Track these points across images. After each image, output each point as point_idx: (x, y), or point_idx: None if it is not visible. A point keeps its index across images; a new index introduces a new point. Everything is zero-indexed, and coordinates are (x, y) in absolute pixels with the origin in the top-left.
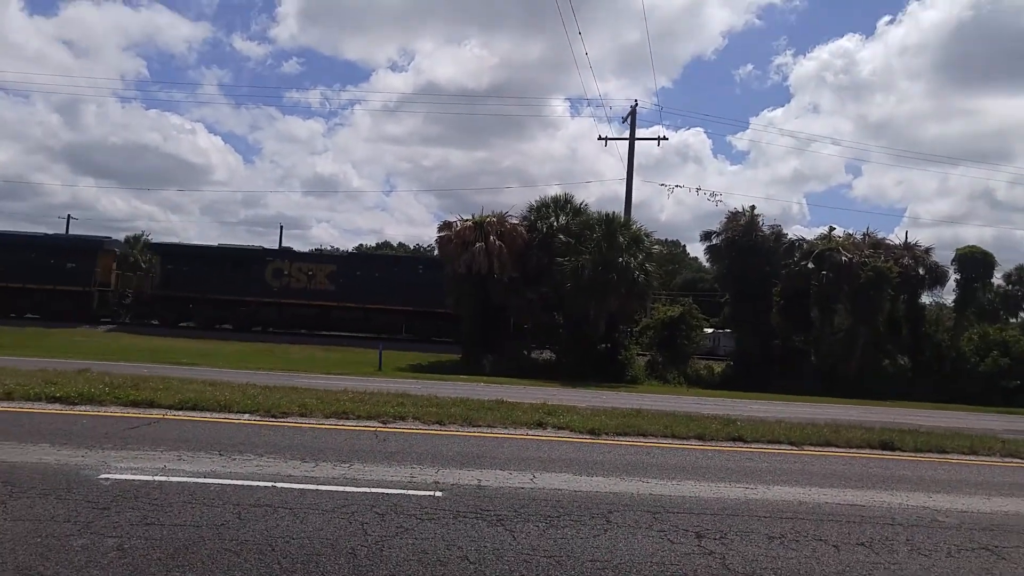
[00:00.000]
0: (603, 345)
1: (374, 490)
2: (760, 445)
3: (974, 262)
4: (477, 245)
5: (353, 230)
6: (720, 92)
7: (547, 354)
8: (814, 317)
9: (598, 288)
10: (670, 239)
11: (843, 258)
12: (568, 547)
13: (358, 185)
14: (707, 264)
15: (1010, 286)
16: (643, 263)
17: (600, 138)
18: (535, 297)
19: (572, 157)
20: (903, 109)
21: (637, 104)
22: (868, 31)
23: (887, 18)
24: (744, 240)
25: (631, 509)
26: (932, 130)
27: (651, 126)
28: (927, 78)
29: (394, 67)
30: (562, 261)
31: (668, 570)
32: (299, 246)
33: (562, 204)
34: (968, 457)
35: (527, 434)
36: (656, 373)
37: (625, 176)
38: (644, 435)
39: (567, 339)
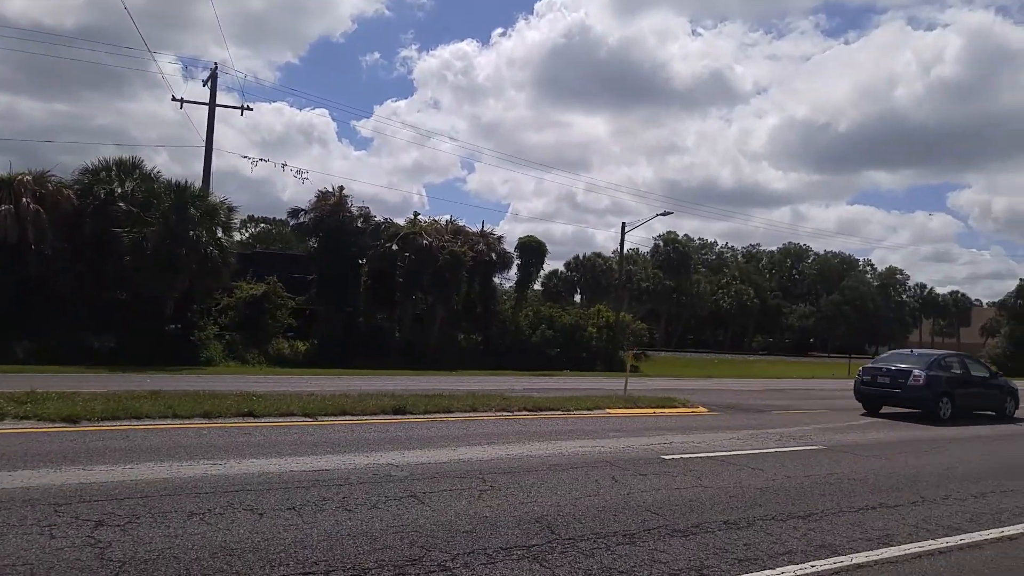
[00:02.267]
0: (173, 326)
1: None
2: (271, 419)
3: (531, 250)
4: (3, 207)
5: None
6: (347, 76)
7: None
8: (398, 297)
9: (165, 264)
10: (279, 218)
11: (424, 242)
12: None
13: None
14: (309, 243)
15: (570, 272)
16: (219, 238)
17: (174, 99)
18: (90, 273)
19: (185, 124)
20: (510, 115)
21: (217, 67)
22: (484, 39)
23: (500, 30)
24: (332, 220)
25: (30, 505)
26: (532, 137)
27: (275, 101)
28: (529, 90)
29: None
30: (121, 232)
31: (20, 571)
32: None
33: (128, 169)
34: (468, 414)
35: None
36: (235, 354)
37: (205, 145)
38: (139, 418)
39: (131, 320)
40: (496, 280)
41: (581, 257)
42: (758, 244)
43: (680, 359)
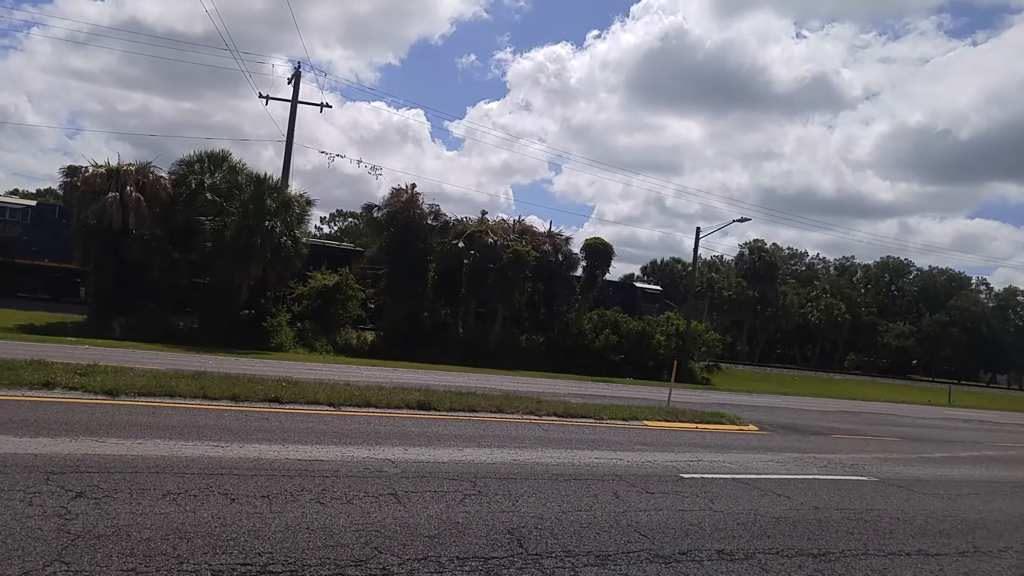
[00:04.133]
0: (247, 311)
1: None
2: (296, 406)
3: (597, 252)
4: (110, 195)
5: (25, 173)
6: (443, 78)
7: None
8: (463, 294)
9: (241, 252)
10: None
11: (490, 240)
12: None
13: (34, 121)
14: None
15: (647, 277)
16: (292, 229)
17: (261, 96)
18: (180, 258)
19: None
20: (600, 118)
21: (300, 66)
22: (579, 42)
23: (595, 32)
24: (403, 215)
25: (28, 471)
26: (622, 140)
27: (374, 100)
28: (621, 93)
29: None
30: (205, 220)
31: None
32: None
33: (217, 161)
34: (493, 415)
35: (23, 395)
36: (305, 341)
37: (286, 140)
38: (172, 396)
39: (210, 304)
40: (572, 278)
41: (659, 262)
42: (852, 256)
43: (759, 373)
